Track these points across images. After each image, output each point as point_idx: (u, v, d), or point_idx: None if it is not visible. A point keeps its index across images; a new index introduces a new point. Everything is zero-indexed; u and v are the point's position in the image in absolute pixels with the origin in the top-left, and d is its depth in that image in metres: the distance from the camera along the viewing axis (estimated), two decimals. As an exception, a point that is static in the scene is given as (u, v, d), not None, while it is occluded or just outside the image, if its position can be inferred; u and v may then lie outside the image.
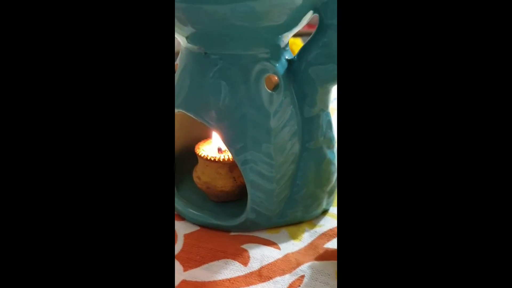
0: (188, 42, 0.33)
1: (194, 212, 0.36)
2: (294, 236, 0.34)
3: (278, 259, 0.31)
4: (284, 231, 0.35)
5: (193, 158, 0.41)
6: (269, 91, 0.32)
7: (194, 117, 0.33)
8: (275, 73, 0.32)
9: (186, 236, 0.34)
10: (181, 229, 0.35)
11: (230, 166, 0.36)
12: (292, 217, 0.35)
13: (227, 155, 0.36)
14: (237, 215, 0.35)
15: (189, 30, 0.31)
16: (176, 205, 0.37)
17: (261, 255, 0.31)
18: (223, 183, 0.36)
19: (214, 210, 0.36)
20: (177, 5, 0.28)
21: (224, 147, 0.37)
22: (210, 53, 0.31)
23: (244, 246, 0.32)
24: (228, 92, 0.31)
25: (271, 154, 0.32)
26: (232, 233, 0.35)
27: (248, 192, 0.33)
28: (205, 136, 0.40)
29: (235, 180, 0.36)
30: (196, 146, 0.38)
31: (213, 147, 0.38)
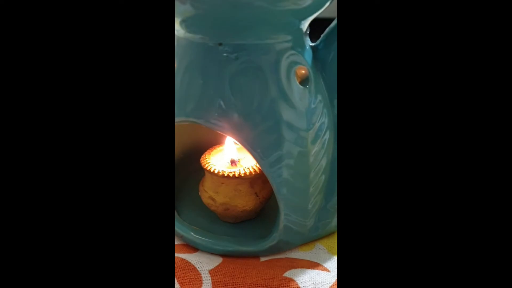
0: (188, 31, 0.26)
1: (210, 240, 0.30)
2: (333, 251, 0.30)
3: (334, 283, 0.26)
4: (318, 245, 0.30)
5: (193, 170, 0.34)
6: (300, 86, 0.26)
7: (210, 128, 0.26)
8: (304, 64, 0.27)
9: (212, 273, 0.27)
10: (200, 263, 0.28)
11: (251, 180, 0.30)
12: (324, 229, 0.31)
13: (244, 168, 0.30)
14: (262, 236, 0.30)
15: (191, 12, 0.24)
16: (183, 233, 0.30)
17: (312, 283, 0.26)
18: (244, 202, 0.30)
19: (234, 234, 0.30)
20: None
21: (238, 158, 0.31)
22: (225, 44, 0.25)
23: (288, 275, 0.27)
24: (257, 92, 0.25)
25: (307, 162, 0.27)
26: (262, 259, 0.29)
27: (280, 210, 0.27)
28: (204, 143, 0.33)
29: (257, 196, 0.30)
30: (202, 160, 0.31)
31: (225, 159, 0.32)
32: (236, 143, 0.32)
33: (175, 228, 0.31)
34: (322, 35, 0.29)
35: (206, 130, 0.27)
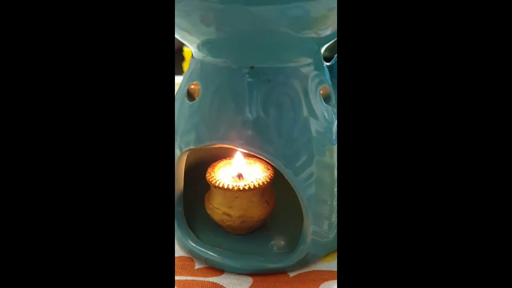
0: (209, 55, 0.26)
1: (237, 260, 0.30)
2: (354, 260, 0.31)
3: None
4: (338, 256, 0.31)
5: (201, 189, 0.33)
6: (326, 104, 0.27)
7: (243, 150, 0.26)
8: (326, 83, 0.28)
9: (249, 294, 0.27)
10: (232, 285, 0.28)
11: (262, 191, 0.31)
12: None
13: (256, 179, 0.30)
14: (287, 251, 0.30)
15: (214, 35, 0.24)
16: (206, 255, 0.30)
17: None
18: (259, 211, 0.31)
19: (258, 252, 0.31)
20: (209, 5, 0.22)
21: (244, 172, 0.32)
22: (258, 68, 0.26)
23: None
24: (290, 112, 0.26)
25: (333, 175, 0.28)
26: (290, 274, 0.30)
27: (308, 224, 0.28)
28: (205, 160, 0.33)
29: (268, 204, 0.31)
30: (209, 177, 0.31)
31: (230, 173, 0.32)
32: (245, 157, 0.32)
33: (197, 251, 0.30)
34: (335, 56, 0.30)
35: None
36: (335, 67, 0.30)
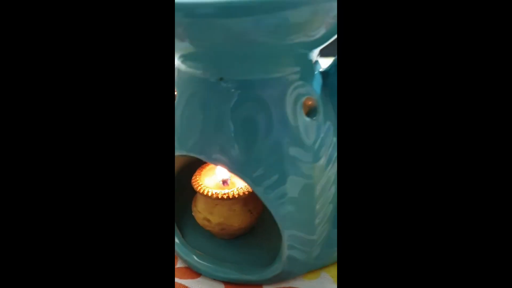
0: (188, 67, 0.24)
1: (213, 266, 0.29)
2: (338, 281, 0.29)
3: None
4: (324, 274, 0.30)
5: (186, 190, 0.33)
6: (307, 118, 0.25)
7: (211, 163, 0.25)
8: (312, 95, 0.25)
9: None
10: (203, 291, 0.28)
11: (245, 199, 0.29)
12: (330, 257, 0.30)
13: (237, 188, 0.29)
14: (266, 264, 0.29)
15: (190, 49, 0.23)
16: (186, 257, 0.30)
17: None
18: (240, 220, 0.30)
19: (237, 261, 0.30)
20: (178, 20, 0.20)
21: (229, 178, 0.31)
22: (227, 79, 0.23)
23: (290, 308, 0.27)
24: (260, 127, 0.24)
25: (313, 194, 0.26)
26: (265, 287, 0.29)
27: (284, 241, 0.27)
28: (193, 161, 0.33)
29: (251, 213, 0.30)
30: (194, 181, 0.30)
31: (216, 179, 0.31)
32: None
33: (179, 251, 0.31)
34: (333, 60, 0.27)
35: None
36: (332, 72, 0.26)
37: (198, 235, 0.32)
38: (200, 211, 0.30)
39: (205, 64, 0.24)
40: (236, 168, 0.24)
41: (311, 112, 0.25)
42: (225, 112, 0.24)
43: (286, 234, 0.26)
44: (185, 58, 0.24)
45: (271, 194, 0.25)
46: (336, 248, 0.29)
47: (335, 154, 0.26)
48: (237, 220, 0.30)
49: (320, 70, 0.26)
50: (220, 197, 0.29)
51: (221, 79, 0.23)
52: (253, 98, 0.24)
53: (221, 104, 0.24)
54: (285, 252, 0.27)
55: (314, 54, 0.25)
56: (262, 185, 0.24)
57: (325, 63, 0.27)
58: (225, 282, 0.29)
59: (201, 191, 0.29)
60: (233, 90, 0.23)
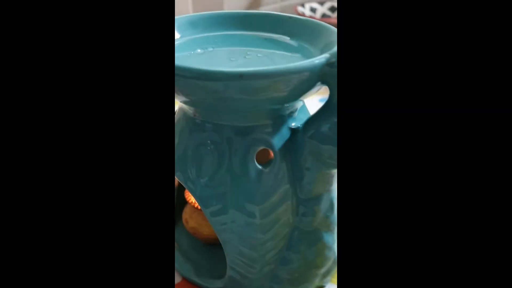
0: (180, 100, 0.30)
1: (180, 265, 0.35)
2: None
3: None
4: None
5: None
6: (259, 166, 0.28)
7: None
8: (270, 146, 0.28)
9: None
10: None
11: None
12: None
13: None
14: (223, 272, 0.33)
15: (181, 98, 0.27)
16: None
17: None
18: (210, 230, 0.35)
19: (200, 264, 0.35)
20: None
21: None
22: (201, 119, 0.28)
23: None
24: (212, 164, 0.28)
25: (254, 232, 0.29)
26: (211, 296, 0.33)
27: (227, 262, 0.30)
28: None
29: None
30: (186, 190, 0.36)
31: None
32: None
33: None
34: (307, 119, 0.29)
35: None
36: (300, 130, 0.28)
37: (183, 233, 0.38)
38: (186, 212, 0.36)
39: (189, 106, 0.28)
40: (190, 188, 0.29)
41: (267, 162, 0.28)
42: (190, 145, 0.29)
43: (228, 256, 0.30)
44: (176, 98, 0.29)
45: (215, 219, 0.29)
46: (282, 285, 0.32)
47: (288, 204, 0.29)
48: (208, 230, 0.34)
49: (292, 126, 0.29)
50: (196, 206, 0.34)
51: (194, 115, 0.28)
52: (212, 137, 0.28)
53: (190, 136, 0.29)
54: (228, 271, 0.31)
55: (288, 109, 0.28)
56: (208, 208, 0.29)
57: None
58: (183, 277, 0.34)
59: (188, 198, 0.35)
60: (201, 126, 0.28)
